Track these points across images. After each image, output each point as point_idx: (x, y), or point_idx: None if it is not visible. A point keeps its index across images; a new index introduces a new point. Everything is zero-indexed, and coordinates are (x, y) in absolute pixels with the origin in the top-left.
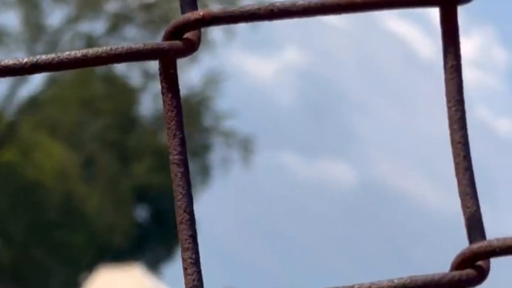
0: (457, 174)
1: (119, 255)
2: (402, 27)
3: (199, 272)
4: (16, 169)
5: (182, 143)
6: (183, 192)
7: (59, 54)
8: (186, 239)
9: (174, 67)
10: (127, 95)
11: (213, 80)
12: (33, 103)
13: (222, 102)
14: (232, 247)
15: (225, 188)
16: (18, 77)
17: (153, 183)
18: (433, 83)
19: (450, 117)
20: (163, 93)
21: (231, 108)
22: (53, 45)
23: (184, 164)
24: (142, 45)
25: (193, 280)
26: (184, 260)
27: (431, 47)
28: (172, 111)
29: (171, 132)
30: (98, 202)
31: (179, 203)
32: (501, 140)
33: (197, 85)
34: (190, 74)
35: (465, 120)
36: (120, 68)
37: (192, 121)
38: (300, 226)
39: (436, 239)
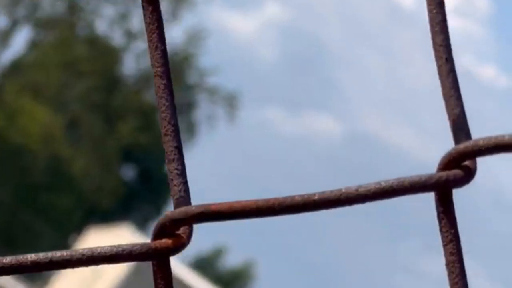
0: (440, 77)
1: (107, 215)
2: None
3: (185, 183)
4: (1, 133)
5: (164, 55)
6: (167, 103)
7: None
8: (172, 151)
9: None
10: (109, 56)
11: (195, 37)
12: (16, 67)
13: (205, 59)
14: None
15: (211, 145)
16: None
17: (139, 142)
18: (417, 34)
19: (431, 20)
20: (143, 7)
21: (214, 65)
22: (34, 8)
23: (167, 76)
24: None
25: (180, 191)
26: (170, 171)
27: None
28: (154, 24)
29: (153, 45)
30: (84, 164)
31: (163, 115)
32: (485, 87)
33: (180, 43)
34: (172, 32)
35: (446, 23)
36: (102, 28)
37: (176, 78)
38: (286, 180)
39: None
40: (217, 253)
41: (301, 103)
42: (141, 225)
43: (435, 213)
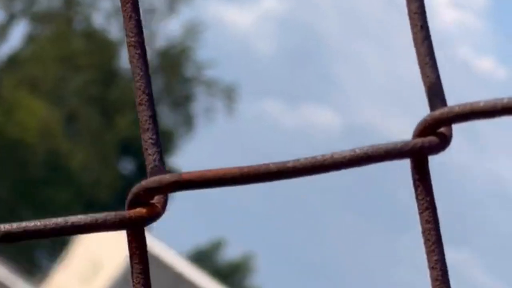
0: (415, 44)
1: (105, 209)
2: None
3: (160, 152)
4: None
5: (138, 25)
6: (141, 73)
7: None
8: (146, 120)
9: None
10: (107, 49)
11: (193, 30)
12: (13, 62)
13: (202, 52)
14: (218, 196)
15: (209, 138)
16: None
17: (137, 136)
18: None
19: None
20: None
21: (212, 58)
22: (31, 2)
23: (141, 46)
24: None
25: (154, 160)
26: (144, 141)
27: None
28: None
29: (127, 15)
30: (82, 158)
31: (137, 84)
32: (483, 79)
33: (177, 36)
34: (170, 25)
35: None
36: (99, 22)
37: (174, 71)
38: None
39: None
40: (215, 246)
41: (299, 96)
42: None
43: None
